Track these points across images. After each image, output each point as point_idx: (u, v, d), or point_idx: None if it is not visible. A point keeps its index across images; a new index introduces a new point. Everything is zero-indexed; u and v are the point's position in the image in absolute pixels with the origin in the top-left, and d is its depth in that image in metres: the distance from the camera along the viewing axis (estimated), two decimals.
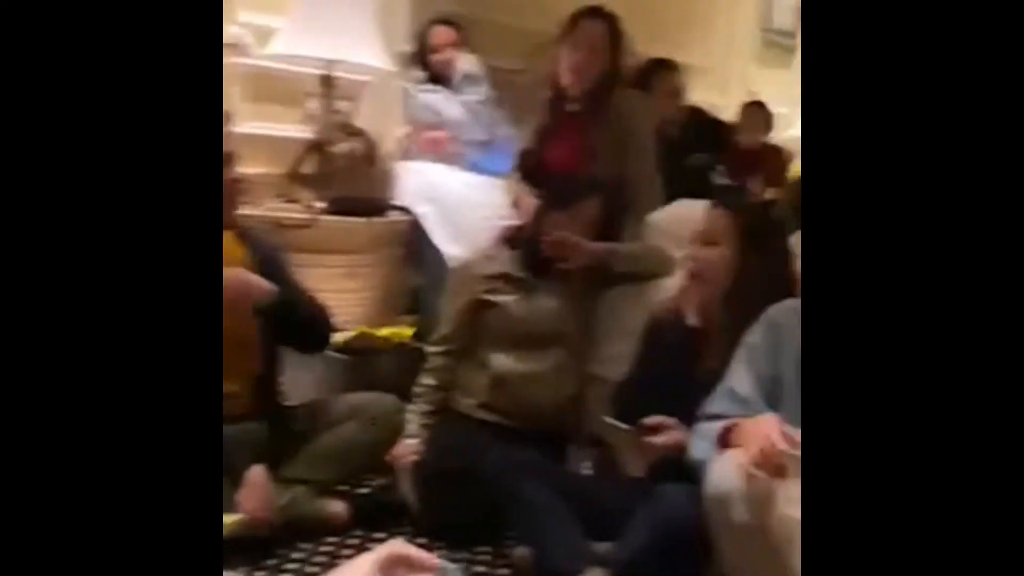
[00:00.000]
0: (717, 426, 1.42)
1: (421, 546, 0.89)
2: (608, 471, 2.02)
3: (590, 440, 2.13)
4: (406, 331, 2.46)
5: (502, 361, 2.09)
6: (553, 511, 1.68)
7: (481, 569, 1.82)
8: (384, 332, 2.43)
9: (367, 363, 2.32)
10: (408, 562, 0.79)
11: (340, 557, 1.81)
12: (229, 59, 2.63)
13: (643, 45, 3.30)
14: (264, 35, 2.73)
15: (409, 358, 2.32)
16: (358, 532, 1.92)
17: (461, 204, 2.69)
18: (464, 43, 3.03)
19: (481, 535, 1.91)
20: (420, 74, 3.01)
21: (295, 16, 2.65)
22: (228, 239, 1.84)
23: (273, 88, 2.83)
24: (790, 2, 4.56)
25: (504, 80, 3.09)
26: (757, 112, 3.42)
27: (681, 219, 2.16)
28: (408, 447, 2.06)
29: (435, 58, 3.00)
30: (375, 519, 1.95)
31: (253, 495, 1.80)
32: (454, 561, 1.79)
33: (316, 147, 2.60)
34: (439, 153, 2.91)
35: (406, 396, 2.13)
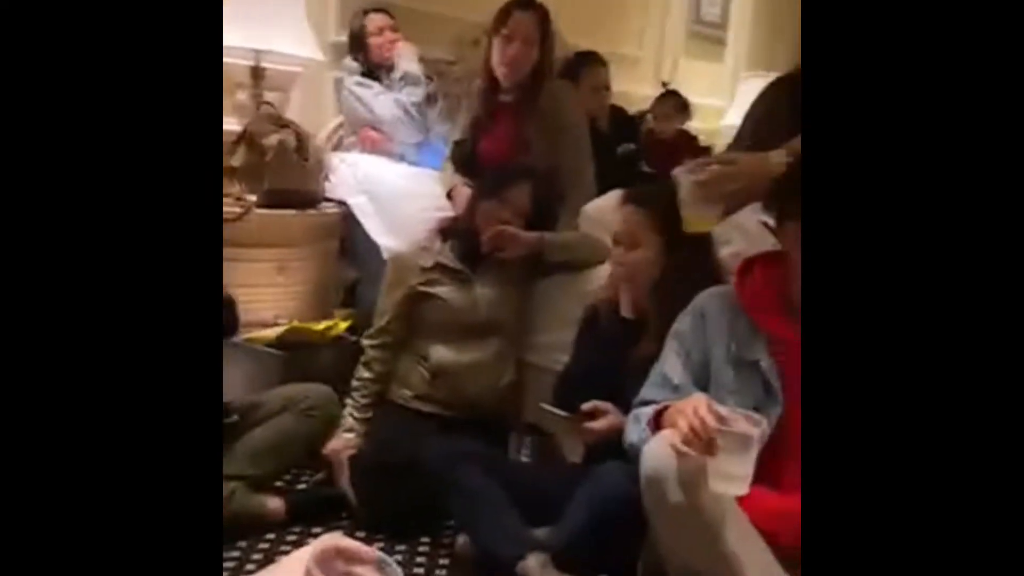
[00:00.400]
0: (650, 410, 1.45)
1: (360, 539, 0.89)
2: (547, 458, 2.04)
3: (529, 428, 2.14)
4: (341, 324, 2.43)
5: (440, 352, 2.09)
6: (492, 499, 1.69)
7: (422, 560, 1.82)
8: (319, 326, 2.40)
9: (303, 358, 2.29)
10: (345, 555, 0.79)
11: (278, 554, 1.78)
12: None
13: (573, 36, 3.33)
14: None
15: (345, 352, 2.30)
16: (296, 528, 1.90)
17: (396, 196, 2.68)
18: (397, 30, 3.01)
19: (421, 526, 1.90)
20: (354, 64, 2.98)
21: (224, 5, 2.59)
22: None
23: None
24: None
25: (437, 71, 3.08)
26: (672, 101, 3.47)
27: (615, 209, 2.18)
28: (345, 441, 2.05)
29: (374, 41, 2.95)
30: (313, 514, 1.93)
31: None
32: (394, 553, 1.80)
33: (246, 139, 2.55)
34: (374, 150, 2.89)
35: (343, 390, 2.11)
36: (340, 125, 3.10)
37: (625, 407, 1.60)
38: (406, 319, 2.12)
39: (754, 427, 1.28)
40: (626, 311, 1.82)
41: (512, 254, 2.12)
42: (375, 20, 2.97)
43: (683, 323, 1.54)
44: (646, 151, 3.27)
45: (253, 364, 2.23)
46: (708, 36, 4.62)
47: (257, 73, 2.65)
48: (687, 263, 1.72)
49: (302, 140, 2.58)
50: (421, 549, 1.86)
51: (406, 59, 2.94)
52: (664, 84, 3.62)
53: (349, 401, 2.10)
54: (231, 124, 2.65)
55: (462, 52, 3.18)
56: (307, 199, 2.61)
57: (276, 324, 2.38)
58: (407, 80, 2.92)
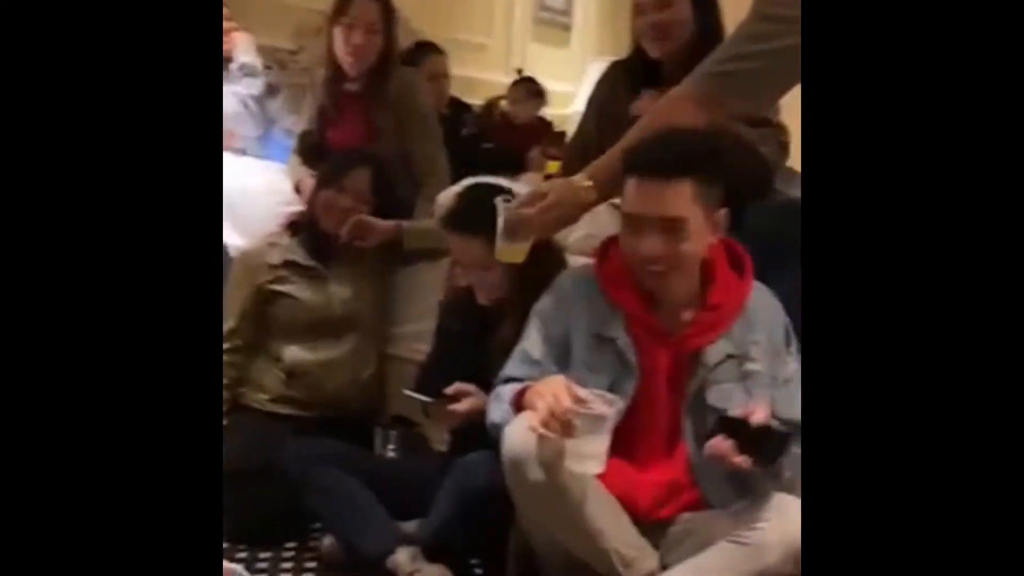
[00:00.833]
0: (510, 389, 1.47)
1: (223, 550, 0.85)
2: (414, 450, 2.02)
3: (395, 421, 2.12)
4: None
5: (295, 352, 2.02)
6: (355, 497, 1.66)
7: (288, 566, 1.77)
8: None
9: None
10: None
11: None
12: None
13: (419, 23, 3.30)
14: None
15: None
16: None
17: (239, 192, 2.57)
18: (231, 20, 2.88)
19: (285, 530, 1.85)
20: None
21: None
22: None
23: None
24: None
25: (278, 61, 2.98)
26: (527, 87, 3.51)
27: None
28: None
29: None
30: None
31: None
32: (258, 561, 1.74)
33: None
34: None
35: None
36: None
37: (489, 391, 1.61)
38: (256, 320, 2.04)
39: (610, 407, 1.32)
40: (483, 299, 1.82)
41: (370, 243, 2.08)
42: None
43: (544, 302, 1.57)
44: (500, 136, 3.28)
45: None
46: (554, 22, 4.69)
47: None
48: (539, 258, 1.74)
49: None
50: (286, 555, 1.80)
51: (242, 50, 2.83)
52: (518, 71, 3.65)
53: None
54: None
55: (305, 41, 3.09)
56: None
57: None
58: (244, 71, 2.80)
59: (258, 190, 2.57)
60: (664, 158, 1.43)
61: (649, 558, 1.43)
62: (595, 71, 3.70)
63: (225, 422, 2.00)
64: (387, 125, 2.39)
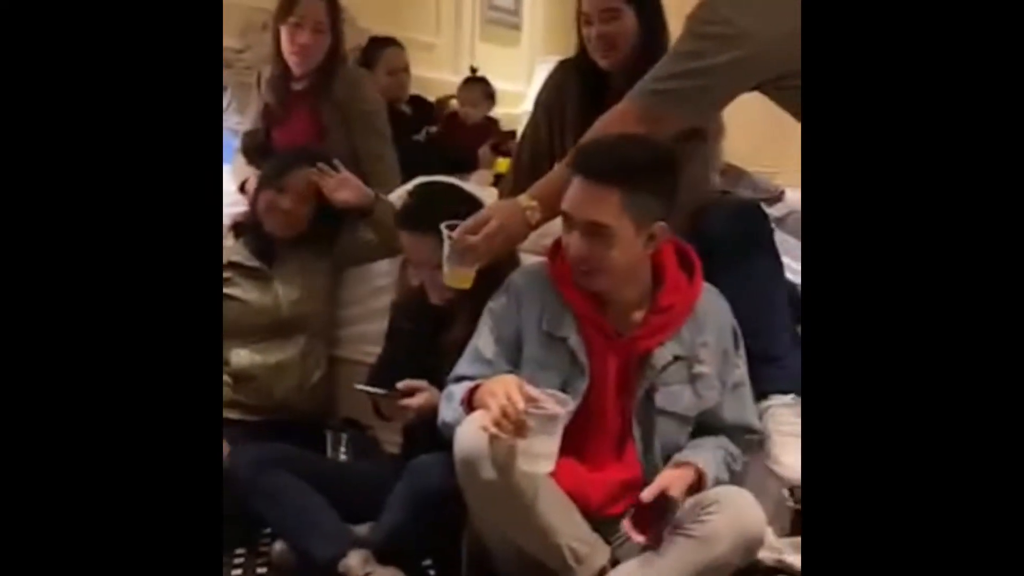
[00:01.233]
0: (462, 388, 1.47)
1: None
2: (365, 453, 2.01)
3: (346, 424, 2.10)
4: None
5: (242, 356, 1.99)
6: (307, 501, 1.65)
7: (238, 572, 1.74)
8: None
9: None
10: None
11: None
12: None
13: (366, 21, 3.28)
14: None
15: None
16: None
17: None
18: None
19: (235, 536, 1.82)
20: None
21: None
22: None
23: None
24: None
25: (223, 60, 2.92)
26: (479, 88, 3.51)
27: None
28: None
29: None
30: None
31: None
32: None
33: None
34: None
35: None
36: None
37: (442, 390, 1.61)
38: None
39: (561, 407, 1.33)
40: (435, 298, 1.81)
41: (342, 199, 2.05)
42: None
43: (497, 300, 1.57)
44: (450, 136, 3.27)
45: None
46: (503, 21, 4.69)
47: None
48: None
49: None
50: (236, 561, 1.78)
51: None
52: (473, 70, 3.64)
53: None
54: None
55: (250, 39, 3.04)
56: None
57: None
58: None
59: None
60: (599, 163, 1.44)
61: (601, 553, 1.44)
62: (544, 71, 3.71)
63: None
64: (334, 124, 2.37)
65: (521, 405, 1.30)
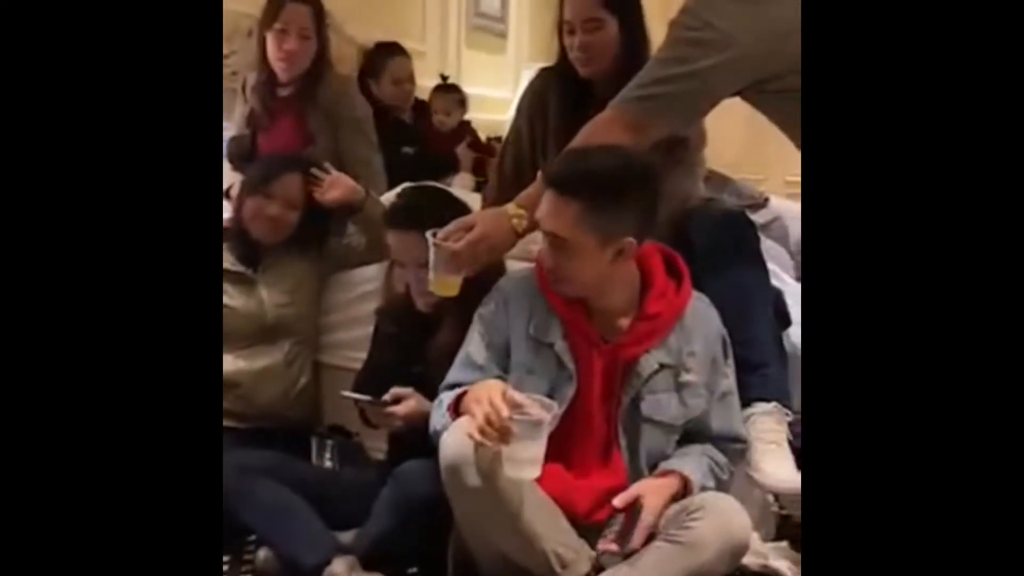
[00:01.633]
0: (451, 395, 1.47)
1: None
2: (350, 459, 2.00)
3: (331, 431, 2.09)
4: None
5: (227, 363, 1.97)
6: (290, 508, 1.64)
7: None
8: None
9: None
10: None
11: None
12: None
13: (353, 28, 3.27)
14: None
15: None
16: None
17: None
18: None
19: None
20: None
21: None
22: None
23: None
24: None
25: None
26: (453, 95, 3.53)
27: None
28: None
29: None
30: None
31: None
32: None
33: None
34: None
35: None
36: None
37: (432, 395, 1.61)
38: None
39: (547, 412, 1.33)
40: (422, 305, 1.81)
41: (333, 197, 2.06)
42: None
43: (486, 306, 1.58)
44: (426, 143, 3.27)
45: None
46: (489, 28, 4.70)
47: None
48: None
49: None
50: (222, 567, 1.76)
51: None
52: (444, 78, 3.64)
53: None
54: None
55: (235, 45, 3.03)
56: None
57: None
58: None
59: None
60: (561, 175, 1.45)
61: (586, 559, 1.44)
62: (530, 78, 3.72)
63: None
64: (320, 130, 2.37)
65: (505, 411, 1.30)
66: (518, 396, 1.35)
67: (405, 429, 1.66)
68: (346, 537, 1.68)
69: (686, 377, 1.52)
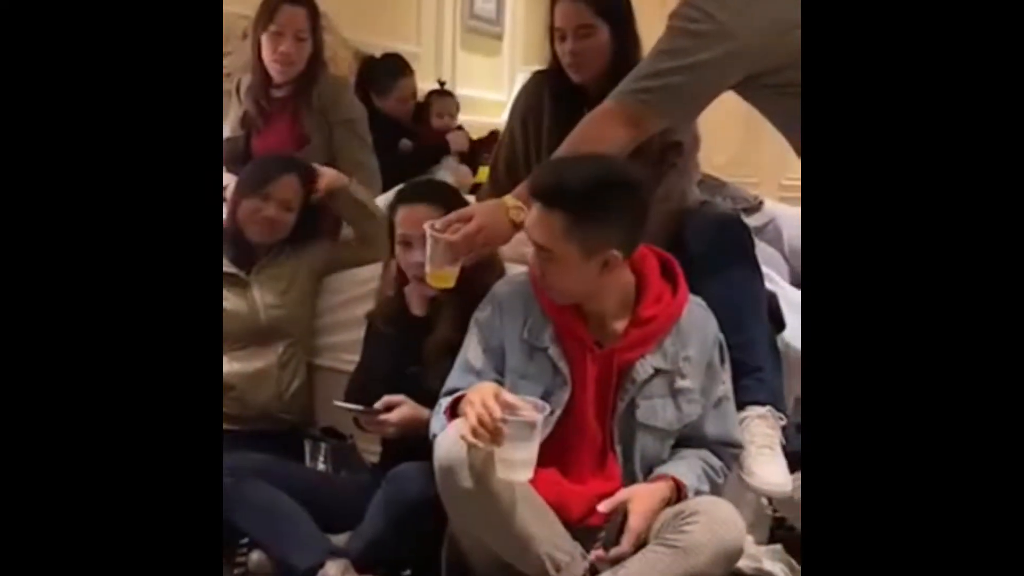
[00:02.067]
0: (447, 400, 1.47)
1: None
2: (344, 462, 2.00)
3: (325, 433, 2.09)
4: None
5: (223, 365, 1.98)
6: (283, 510, 1.64)
7: None
8: None
9: None
10: None
11: None
12: None
13: (348, 30, 3.27)
14: None
15: None
16: None
17: None
18: None
19: None
20: None
21: None
22: None
23: None
24: None
25: None
26: (449, 100, 3.55)
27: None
28: None
29: None
30: None
31: None
32: None
33: None
34: None
35: None
36: None
37: (425, 397, 1.61)
38: None
39: (539, 413, 1.33)
40: (417, 309, 1.81)
41: (320, 186, 2.08)
42: None
43: (482, 310, 1.58)
44: (423, 139, 3.28)
45: None
46: (484, 31, 4.70)
47: None
48: (476, 262, 1.73)
49: None
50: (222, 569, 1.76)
51: None
52: (441, 83, 3.65)
53: None
54: None
55: (231, 46, 3.02)
56: None
57: None
58: None
59: None
60: (546, 187, 1.44)
61: (581, 563, 1.44)
62: (524, 80, 3.73)
63: None
64: (315, 131, 2.37)
65: (497, 413, 1.30)
66: (511, 398, 1.35)
67: (399, 436, 1.66)
68: (340, 540, 1.68)
69: (681, 383, 1.51)
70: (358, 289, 2.10)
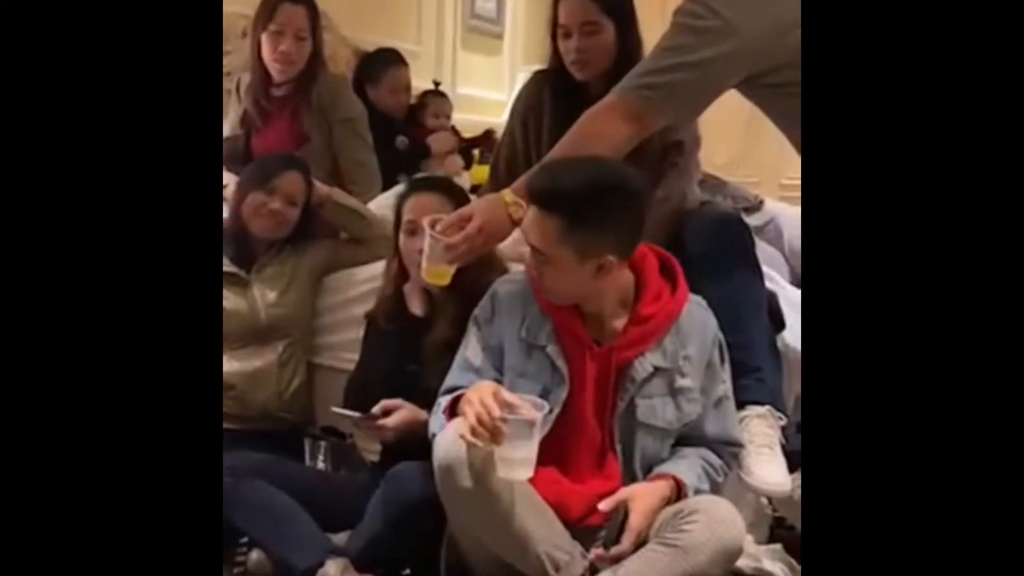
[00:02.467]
0: (446, 399, 1.47)
1: None
2: (344, 461, 2.00)
3: (325, 432, 2.09)
4: None
5: (223, 364, 1.98)
6: (283, 509, 1.63)
7: None
8: None
9: None
10: None
11: None
12: None
13: (348, 29, 3.27)
14: None
15: None
16: None
17: None
18: None
19: None
20: None
21: None
22: None
23: None
24: None
25: None
26: (443, 100, 3.55)
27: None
28: None
29: None
30: None
31: None
32: None
33: None
34: None
35: None
36: None
37: (424, 396, 1.60)
38: None
39: (538, 411, 1.33)
40: (416, 308, 1.81)
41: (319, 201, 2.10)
42: None
43: (482, 308, 1.58)
44: (418, 143, 3.28)
45: None
46: (485, 30, 4.70)
47: None
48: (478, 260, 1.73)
49: None
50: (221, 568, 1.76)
51: None
52: (436, 84, 3.65)
53: None
54: None
55: (231, 45, 3.02)
56: None
57: None
58: None
59: None
60: (542, 191, 1.44)
61: (580, 562, 1.44)
62: (525, 80, 3.72)
63: None
64: (315, 130, 2.37)
65: (496, 411, 1.30)
66: (510, 396, 1.35)
67: (397, 440, 1.66)
68: (339, 539, 1.68)
69: (681, 382, 1.51)
70: (358, 289, 2.10)
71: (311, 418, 2.11)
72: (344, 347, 2.05)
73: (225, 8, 3.16)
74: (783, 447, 1.64)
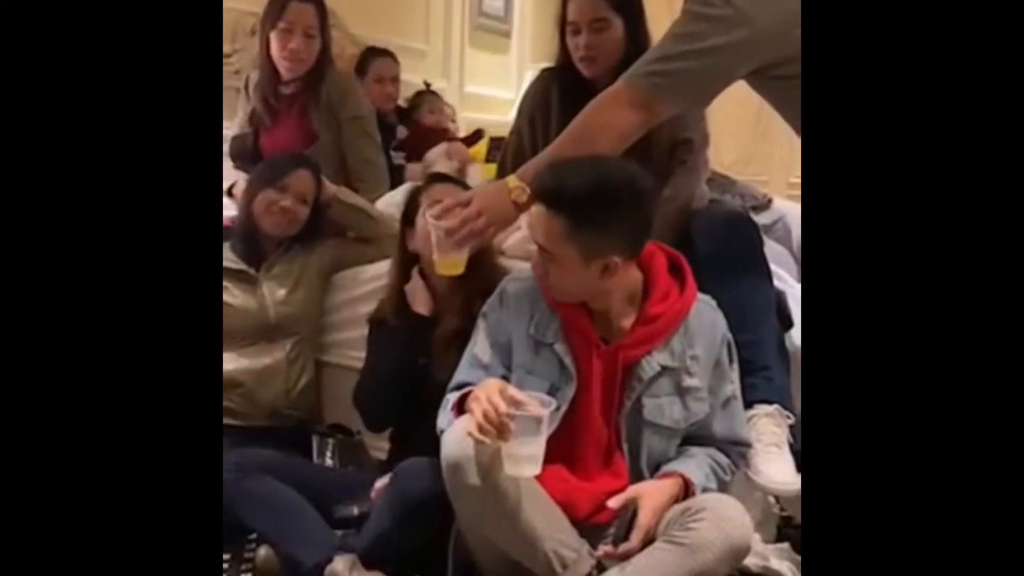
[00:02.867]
0: (454, 396, 1.47)
1: None
2: (352, 457, 2.00)
3: (332, 429, 2.09)
4: None
5: (230, 361, 1.98)
6: (291, 506, 1.65)
7: None
8: None
9: None
10: None
11: None
12: None
13: (357, 27, 3.28)
14: None
15: None
16: None
17: None
18: None
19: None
20: None
21: None
22: None
23: None
24: None
25: None
26: (438, 100, 3.55)
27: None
28: None
29: None
30: None
31: None
32: None
33: None
34: None
35: None
36: None
37: (435, 390, 1.60)
38: None
39: (546, 408, 1.33)
40: (422, 307, 1.81)
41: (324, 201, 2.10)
42: None
43: (490, 305, 1.58)
44: (415, 141, 3.29)
45: None
46: (493, 28, 4.70)
47: None
48: (480, 259, 1.73)
49: None
50: (222, 566, 1.76)
51: None
52: (427, 84, 3.65)
53: None
54: None
55: (238, 43, 3.03)
56: None
57: None
58: None
59: None
60: (548, 191, 1.44)
61: (587, 560, 1.44)
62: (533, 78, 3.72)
63: None
64: (324, 128, 2.38)
65: (503, 408, 1.30)
66: (517, 393, 1.35)
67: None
68: (346, 534, 1.68)
69: (689, 381, 1.51)
70: (365, 287, 2.11)
71: (319, 415, 2.12)
72: (351, 345, 2.06)
73: (233, 6, 3.18)
74: (791, 446, 1.64)
